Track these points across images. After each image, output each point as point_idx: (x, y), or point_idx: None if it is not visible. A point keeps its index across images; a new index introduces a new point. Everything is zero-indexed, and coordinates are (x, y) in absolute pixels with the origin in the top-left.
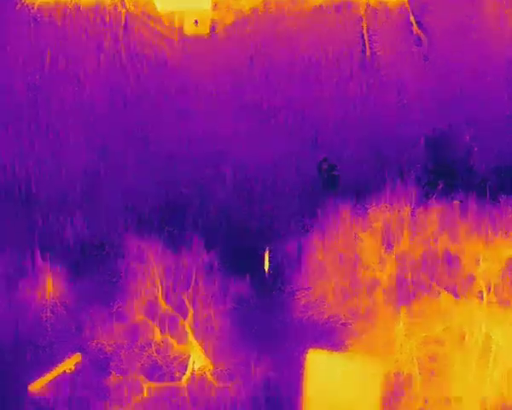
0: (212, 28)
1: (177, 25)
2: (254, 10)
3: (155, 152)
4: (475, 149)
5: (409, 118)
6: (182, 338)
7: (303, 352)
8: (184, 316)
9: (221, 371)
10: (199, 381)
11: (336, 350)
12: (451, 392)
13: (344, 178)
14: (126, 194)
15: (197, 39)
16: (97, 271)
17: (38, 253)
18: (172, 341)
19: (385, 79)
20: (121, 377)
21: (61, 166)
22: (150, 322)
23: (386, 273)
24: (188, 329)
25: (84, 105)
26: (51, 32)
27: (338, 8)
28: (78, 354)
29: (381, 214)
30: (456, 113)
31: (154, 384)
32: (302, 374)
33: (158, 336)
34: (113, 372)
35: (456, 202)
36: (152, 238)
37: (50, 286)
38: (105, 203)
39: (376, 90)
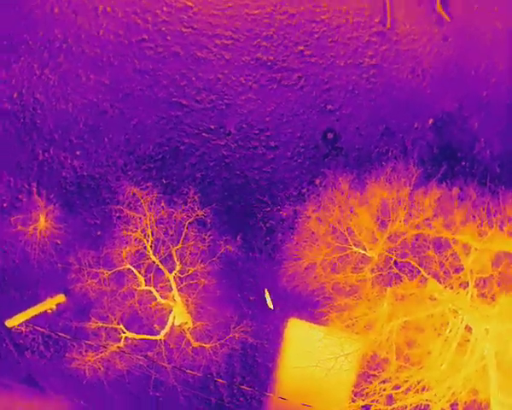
0: None
1: None
2: None
3: (163, 98)
4: (482, 139)
5: (420, 96)
6: (165, 292)
7: (284, 321)
8: (171, 270)
9: (200, 330)
10: (177, 337)
11: (317, 323)
12: (423, 381)
13: (347, 150)
14: (129, 138)
15: None
16: (90, 214)
17: (35, 187)
18: (156, 294)
19: (401, 54)
20: (100, 324)
21: (68, 102)
22: (136, 271)
23: (376, 252)
24: (172, 283)
25: (98, 41)
26: None
27: None
28: (62, 295)
29: (379, 191)
30: (468, 97)
31: (131, 335)
32: (280, 343)
33: (142, 286)
34: (93, 318)
35: (455, 190)
36: (148, 187)
37: (42, 223)
38: (107, 145)
39: (390, 64)
